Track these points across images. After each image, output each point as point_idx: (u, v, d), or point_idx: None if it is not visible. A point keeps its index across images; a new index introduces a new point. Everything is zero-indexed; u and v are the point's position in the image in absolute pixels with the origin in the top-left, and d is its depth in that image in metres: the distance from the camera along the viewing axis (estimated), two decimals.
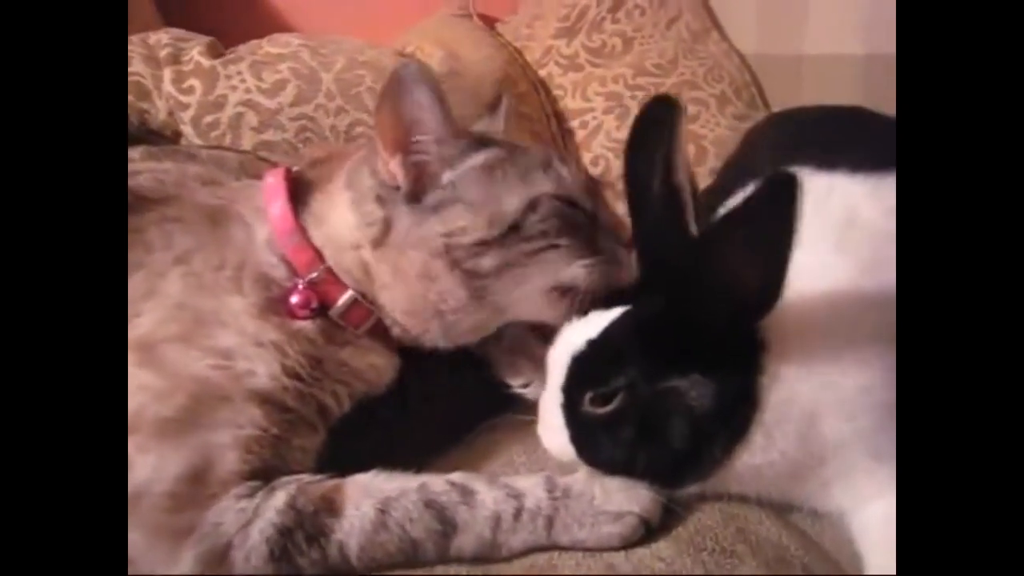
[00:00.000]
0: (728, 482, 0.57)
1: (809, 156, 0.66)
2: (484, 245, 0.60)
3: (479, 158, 0.62)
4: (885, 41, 1.24)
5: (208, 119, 1.01)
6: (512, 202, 0.61)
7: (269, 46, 1.10)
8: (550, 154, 0.65)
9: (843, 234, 0.60)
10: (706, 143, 1.25)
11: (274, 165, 0.94)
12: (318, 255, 0.63)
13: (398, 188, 0.62)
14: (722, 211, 0.67)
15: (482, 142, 0.64)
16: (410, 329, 0.64)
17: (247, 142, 1.02)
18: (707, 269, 0.52)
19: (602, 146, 1.27)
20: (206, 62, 1.04)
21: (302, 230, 0.63)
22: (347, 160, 0.67)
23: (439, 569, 0.52)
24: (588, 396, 0.57)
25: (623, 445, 0.56)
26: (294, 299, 0.61)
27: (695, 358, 0.55)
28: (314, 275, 0.62)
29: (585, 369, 0.58)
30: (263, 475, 0.54)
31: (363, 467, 0.56)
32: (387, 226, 0.62)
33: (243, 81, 1.04)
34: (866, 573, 0.53)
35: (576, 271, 0.62)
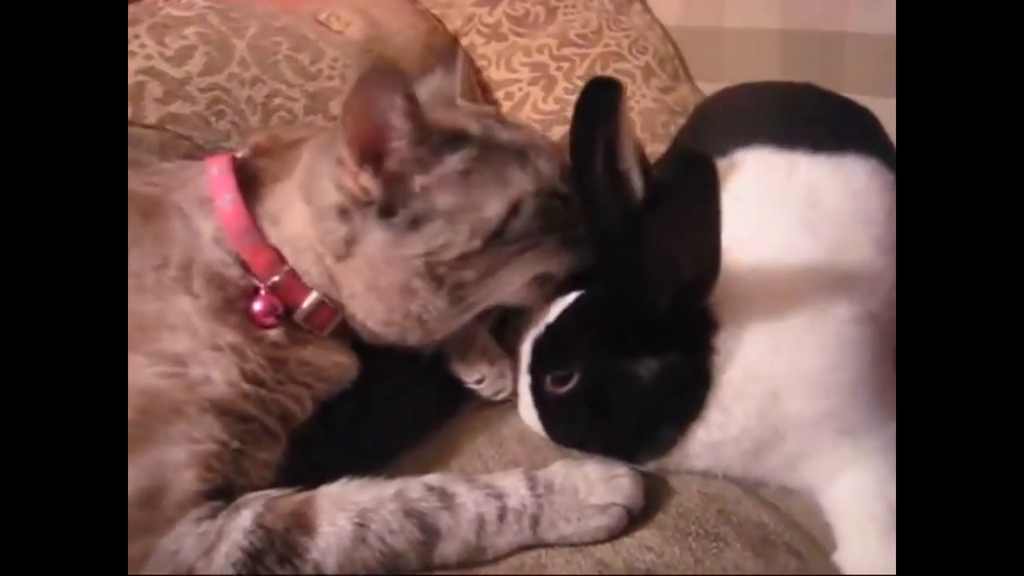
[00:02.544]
0: (689, 459, 0.58)
1: (768, 134, 0.66)
2: (467, 257, 0.57)
3: (453, 161, 0.58)
4: (801, 16, 1.28)
5: None
6: (493, 208, 0.57)
7: (169, 7, 1.00)
8: (524, 144, 0.61)
9: (806, 216, 0.61)
10: (632, 115, 1.24)
11: (195, 144, 0.87)
12: (278, 256, 0.57)
13: (368, 203, 0.57)
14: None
15: (453, 137, 0.59)
16: (386, 337, 0.60)
17: (151, 115, 0.92)
18: (640, 253, 0.53)
19: (529, 118, 1.24)
20: None
21: (258, 228, 0.57)
22: (293, 152, 0.61)
23: None
24: (548, 377, 0.59)
25: (580, 422, 0.59)
26: (257, 306, 0.55)
27: (642, 339, 0.56)
28: (276, 279, 0.57)
29: (545, 352, 0.61)
30: (225, 493, 0.50)
31: (325, 474, 0.52)
32: (353, 241, 0.57)
33: (143, 46, 0.94)
34: (842, 546, 0.54)
35: (557, 261, 0.60)
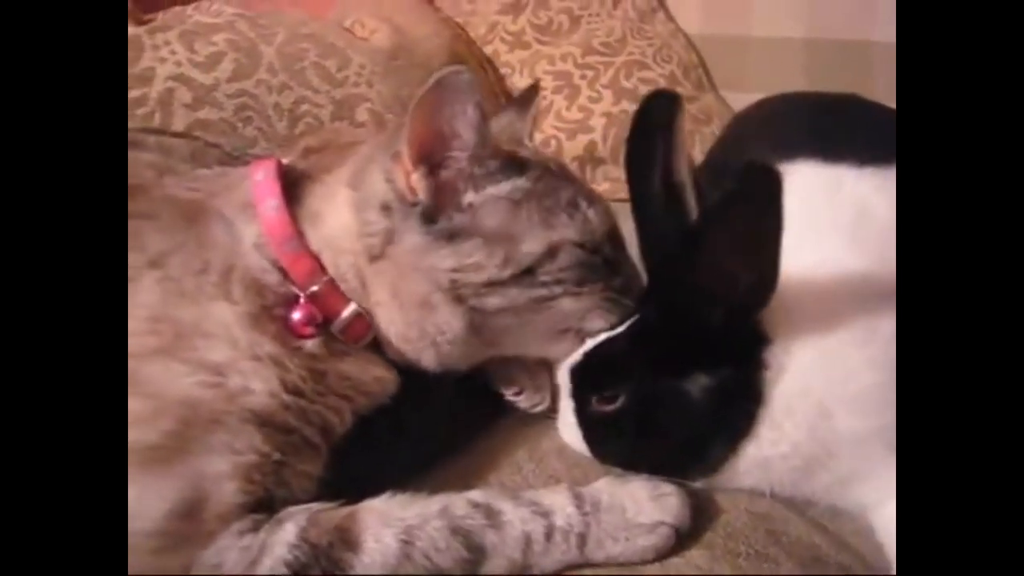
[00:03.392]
0: (739, 476, 0.57)
1: (814, 147, 0.65)
2: (493, 285, 0.56)
3: (506, 187, 0.57)
4: (826, 25, 1.27)
5: (134, 94, 0.90)
6: (531, 246, 0.56)
7: (199, 15, 1.00)
8: (578, 192, 0.60)
9: (855, 230, 0.60)
10: None
11: (224, 152, 0.86)
12: (318, 264, 0.56)
13: (413, 203, 0.55)
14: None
15: (514, 164, 0.58)
16: (405, 352, 0.58)
17: (179, 121, 0.92)
18: (698, 266, 0.52)
19: (552, 126, 1.24)
20: (128, 30, 0.93)
21: (300, 235, 0.56)
22: (348, 150, 0.60)
23: None
24: (595, 397, 0.58)
25: (628, 441, 0.58)
26: (296, 315, 0.54)
27: (693, 355, 0.55)
28: (315, 288, 0.55)
29: (591, 372, 0.59)
30: (266, 506, 0.48)
31: (364, 487, 0.51)
32: (388, 240, 0.56)
33: (173, 53, 0.94)
34: (895, 567, 0.53)
35: (583, 320, 0.59)
